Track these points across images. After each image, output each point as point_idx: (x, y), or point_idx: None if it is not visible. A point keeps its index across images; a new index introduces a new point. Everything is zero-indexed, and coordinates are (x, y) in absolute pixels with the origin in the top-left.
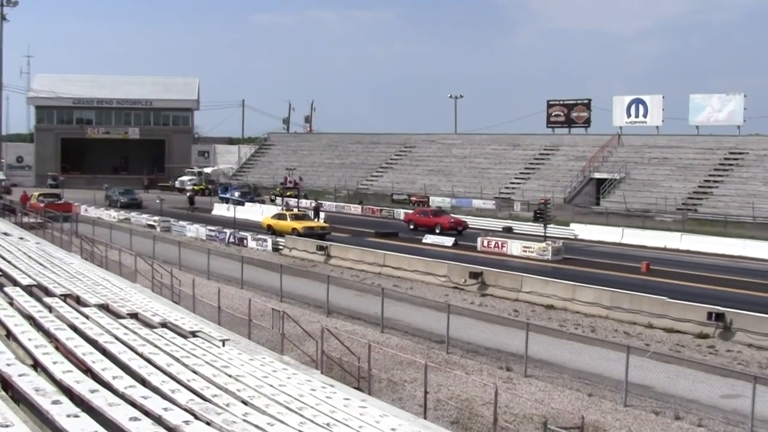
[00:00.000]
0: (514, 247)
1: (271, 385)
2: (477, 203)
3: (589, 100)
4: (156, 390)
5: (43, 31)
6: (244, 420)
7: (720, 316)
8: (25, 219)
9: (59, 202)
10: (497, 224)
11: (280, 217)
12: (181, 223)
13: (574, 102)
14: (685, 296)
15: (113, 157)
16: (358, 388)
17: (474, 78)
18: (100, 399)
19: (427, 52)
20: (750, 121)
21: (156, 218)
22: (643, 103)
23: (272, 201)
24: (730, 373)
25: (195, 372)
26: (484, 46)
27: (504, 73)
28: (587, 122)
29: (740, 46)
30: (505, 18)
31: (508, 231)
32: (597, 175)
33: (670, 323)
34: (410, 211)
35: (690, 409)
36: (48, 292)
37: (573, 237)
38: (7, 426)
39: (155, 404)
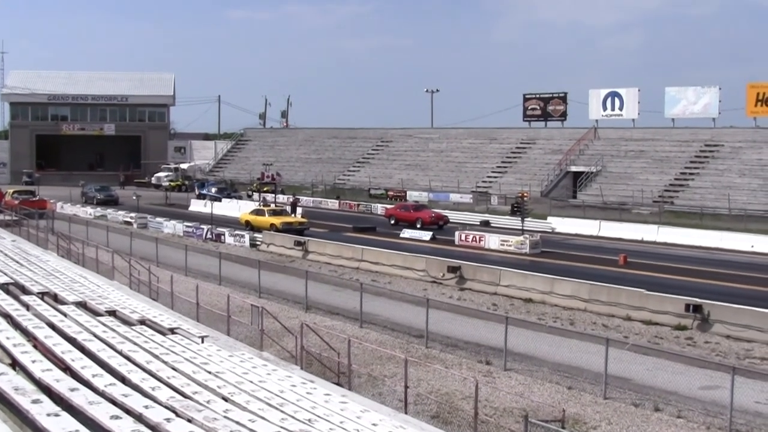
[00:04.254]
0: (492, 241)
1: (252, 381)
2: (454, 197)
3: (565, 93)
4: (136, 388)
5: (17, 27)
6: (225, 417)
7: (698, 308)
8: (0, 216)
9: (34, 199)
10: (475, 218)
11: (258, 212)
12: (158, 219)
13: (551, 95)
14: (663, 288)
15: (89, 153)
16: (338, 384)
17: (450, 72)
18: (81, 397)
19: (404, 47)
20: (725, 114)
21: (133, 215)
22: (619, 96)
23: (249, 197)
24: (708, 365)
25: (175, 369)
26: (461, 40)
27: (480, 67)
28: (563, 116)
29: (715, 39)
30: (484, 10)
31: (485, 225)
32: (573, 169)
33: (649, 315)
34: (389, 206)
35: (669, 400)
36: (25, 290)
37: (550, 230)
38: None
39: (136, 402)
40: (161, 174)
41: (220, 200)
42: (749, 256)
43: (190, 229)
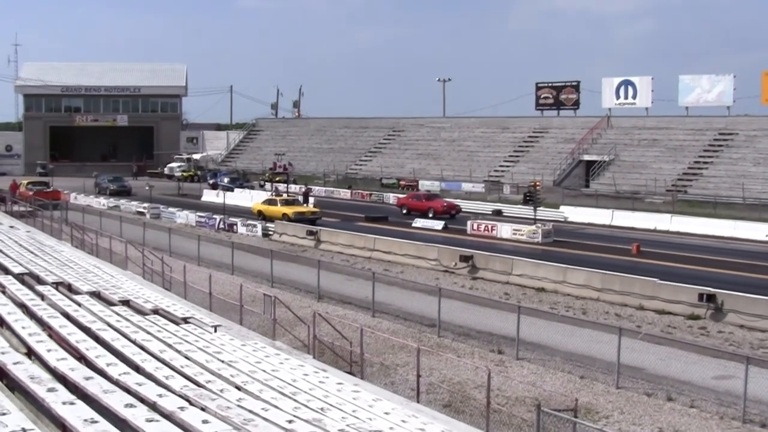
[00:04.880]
0: (504, 230)
1: (264, 371)
2: (466, 187)
3: (578, 82)
4: (150, 377)
5: (30, 19)
6: (239, 405)
7: (711, 298)
8: (15, 207)
9: (48, 190)
10: (487, 207)
11: (270, 202)
12: (171, 209)
13: (563, 84)
14: (676, 278)
15: (102, 144)
16: (350, 373)
17: (462, 61)
18: (95, 386)
19: (415, 36)
20: (740, 102)
21: (145, 205)
22: (632, 84)
23: (261, 186)
24: (722, 354)
25: (188, 358)
26: (473, 29)
27: (492, 56)
28: (576, 104)
29: (730, 26)
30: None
31: (497, 214)
32: (586, 158)
33: (662, 305)
34: (401, 196)
35: (682, 390)
36: (40, 280)
37: (563, 219)
38: (3, 414)
39: (150, 391)
40: (174, 164)
41: (232, 190)
42: (763, 245)
43: (202, 219)
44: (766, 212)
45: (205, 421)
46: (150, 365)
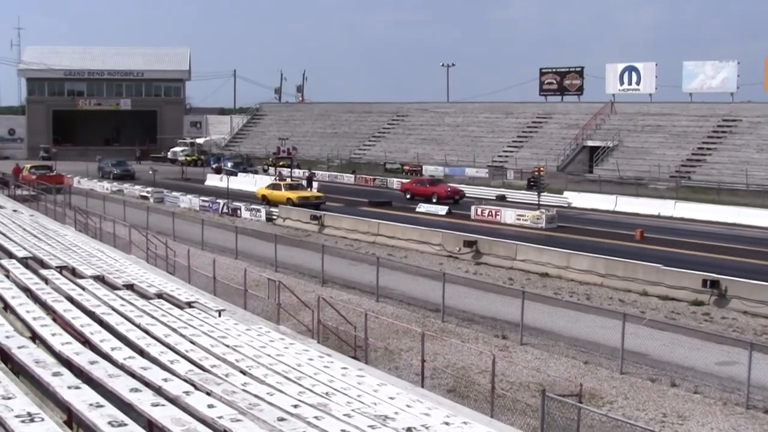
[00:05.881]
0: (508, 216)
1: (269, 355)
2: (470, 172)
3: (582, 67)
4: (155, 361)
5: (33, 2)
6: (244, 390)
7: (715, 284)
8: (19, 191)
9: (51, 174)
10: (490, 193)
11: (274, 187)
12: (175, 194)
13: (567, 70)
14: (680, 264)
15: (105, 128)
16: (355, 357)
17: (466, 46)
18: (100, 370)
19: (420, 21)
20: (743, 89)
21: (149, 189)
22: (636, 70)
23: (265, 171)
24: (725, 340)
25: (193, 342)
26: (477, 14)
27: (497, 41)
28: (580, 90)
29: (734, 12)
30: None
31: (501, 199)
32: (590, 143)
33: (665, 291)
34: (405, 181)
35: (686, 376)
36: (43, 264)
37: (566, 205)
38: (9, 398)
39: (155, 375)
40: (177, 149)
41: (236, 175)
42: (767, 231)
43: (206, 204)
44: None
45: (210, 406)
46: (155, 349)
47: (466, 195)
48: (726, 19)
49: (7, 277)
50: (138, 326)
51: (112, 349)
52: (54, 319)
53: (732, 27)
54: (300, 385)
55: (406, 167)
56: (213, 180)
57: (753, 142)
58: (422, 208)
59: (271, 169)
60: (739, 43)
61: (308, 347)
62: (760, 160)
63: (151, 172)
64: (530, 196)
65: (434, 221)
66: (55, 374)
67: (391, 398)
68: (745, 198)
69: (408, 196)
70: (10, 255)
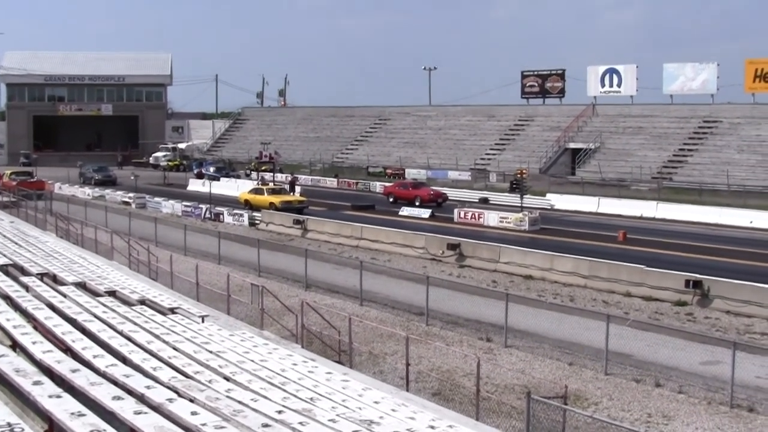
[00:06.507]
0: (491, 218)
1: (253, 361)
2: (452, 175)
3: (564, 70)
4: (137, 368)
5: (12, 7)
6: (228, 396)
7: (698, 284)
8: None
9: (32, 180)
10: (473, 195)
11: (257, 191)
12: (157, 199)
13: (549, 72)
14: (663, 264)
15: (86, 134)
16: (339, 362)
17: (448, 49)
18: (82, 378)
19: (401, 24)
20: (723, 90)
21: (131, 195)
22: (617, 72)
23: (248, 176)
24: (709, 340)
25: (176, 349)
26: (458, 17)
27: (478, 44)
28: (562, 92)
29: (714, 14)
30: None
31: (484, 202)
32: (572, 145)
33: (649, 291)
34: (388, 184)
35: (670, 376)
36: (24, 272)
37: (549, 207)
38: None
39: (137, 383)
40: (159, 154)
41: (218, 179)
42: (748, 231)
43: (188, 209)
44: (750, 199)
45: (194, 413)
46: (137, 356)
47: (449, 198)
48: (706, 21)
49: None
50: (120, 333)
51: (94, 356)
52: (35, 327)
53: (712, 29)
54: (284, 390)
55: (388, 171)
56: (195, 185)
57: (733, 142)
58: (405, 211)
59: (254, 174)
60: (719, 44)
61: (292, 352)
62: (741, 160)
63: (132, 178)
64: (513, 199)
65: (417, 224)
66: (36, 383)
67: (376, 402)
68: (727, 198)
69: (391, 200)
70: None
